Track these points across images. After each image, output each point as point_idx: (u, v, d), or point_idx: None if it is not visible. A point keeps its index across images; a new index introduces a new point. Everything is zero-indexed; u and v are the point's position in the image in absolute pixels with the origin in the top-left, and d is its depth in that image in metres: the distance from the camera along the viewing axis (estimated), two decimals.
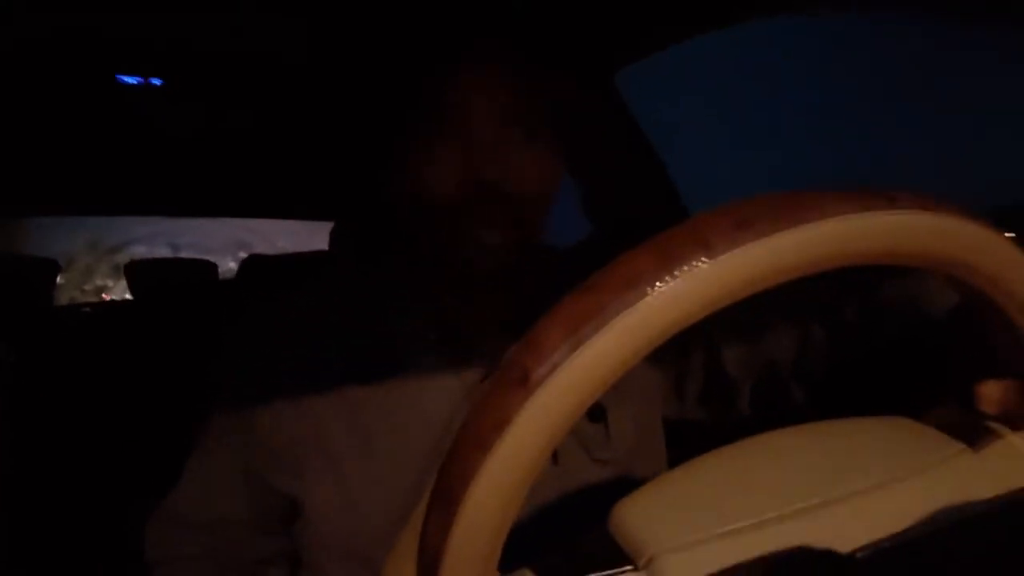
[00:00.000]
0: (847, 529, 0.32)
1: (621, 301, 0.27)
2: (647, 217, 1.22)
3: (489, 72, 0.61)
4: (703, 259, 0.27)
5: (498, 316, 0.65)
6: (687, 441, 0.63)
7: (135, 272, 2.38)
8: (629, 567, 0.32)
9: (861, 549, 0.31)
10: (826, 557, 0.30)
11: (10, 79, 1.28)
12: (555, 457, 0.62)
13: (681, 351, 0.71)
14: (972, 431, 0.37)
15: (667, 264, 0.27)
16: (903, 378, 0.55)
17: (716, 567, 0.31)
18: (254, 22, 1.09)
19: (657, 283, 0.27)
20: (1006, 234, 0.32)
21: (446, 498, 0.29)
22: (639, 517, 0.34)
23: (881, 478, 0.35)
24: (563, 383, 0.27)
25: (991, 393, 0.38)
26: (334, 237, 1.59)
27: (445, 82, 0.61)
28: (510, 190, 0.60)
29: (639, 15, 1.04)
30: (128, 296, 2.44)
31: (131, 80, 1.31)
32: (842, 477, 0.35)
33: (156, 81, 1.32)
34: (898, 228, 0.30)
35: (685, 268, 0.27)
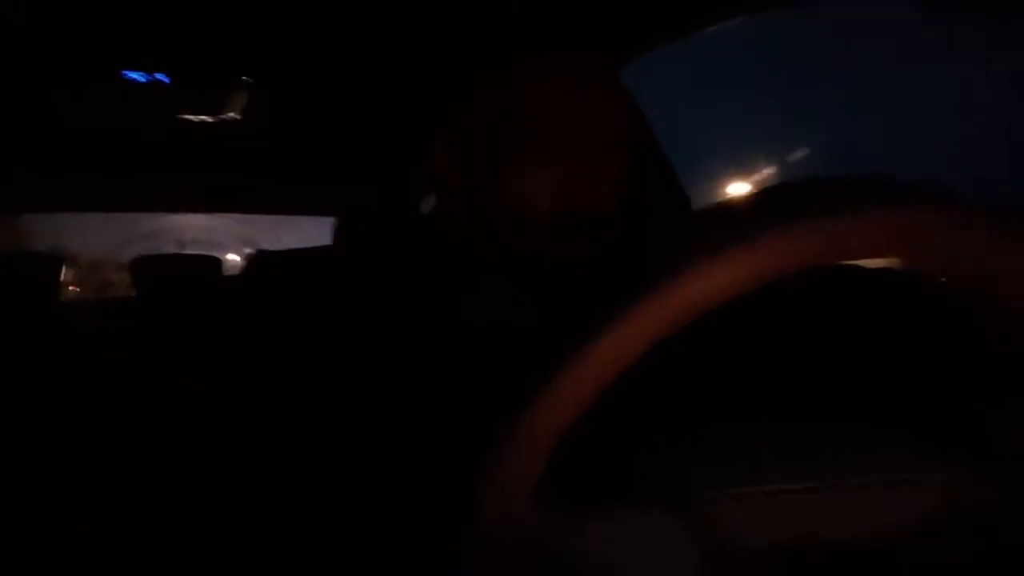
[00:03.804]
0: (869, 511, 0.33)
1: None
2: (656, 212, 1.21)
3: (582, 83, 0.61)
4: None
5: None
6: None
7: (140, 268, 2.37)
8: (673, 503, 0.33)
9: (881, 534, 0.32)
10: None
11: (17, 74, 1.28)
12: None
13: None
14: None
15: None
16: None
17: (751, 514, 0.32)
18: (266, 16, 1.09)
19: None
20: None
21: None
22: (681, 461, 0.35)
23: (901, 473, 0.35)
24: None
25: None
26: (339, 232, 1.58)
27: (536, 93, 0.60)
28: (602, 204, 0.60)
29: (643, 10, 1.04)
30: (134, 292, 2.44)
31: (137, 76, 1.31)
32: (870, 463, 0.35)
33: (162, 77, 1.32)
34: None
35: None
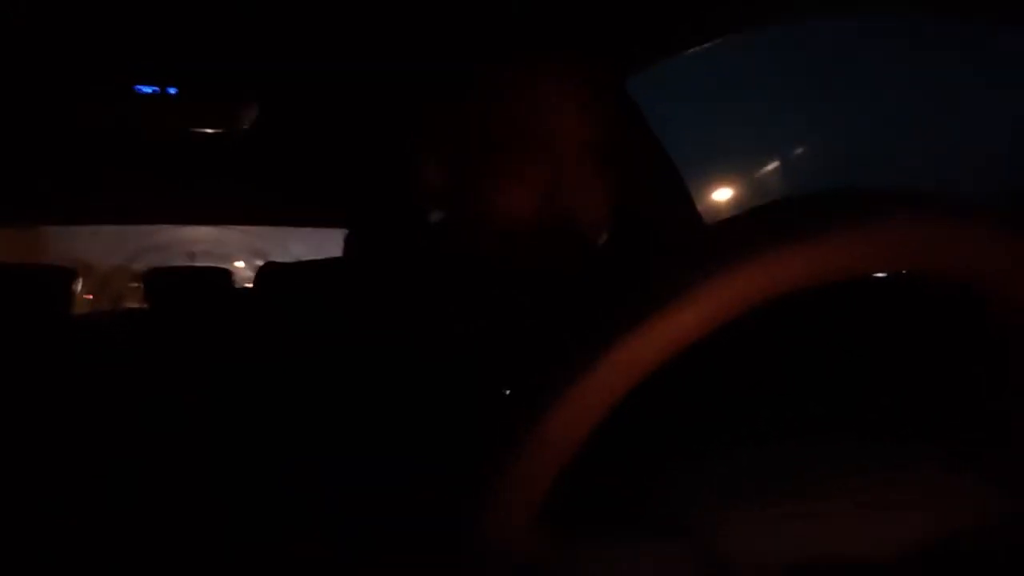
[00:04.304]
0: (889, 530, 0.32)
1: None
2: (660, 220, 1.21)
3: (574, 86, 0.60)
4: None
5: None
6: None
7: (153, 280, 2.39)
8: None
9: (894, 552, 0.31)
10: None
11: (26, 86, 1.29)
12: None
13: None
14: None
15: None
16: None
17: (767, 537, 0.32)
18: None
19: None
20: None
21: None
22: (684, 482, 0.35)
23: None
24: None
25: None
26: (349, 243, 1.59)
27: (527, 99, 0.59)
28: (590, 210, 0.59)
29: (651, 20, 1.04)
30: (145, 304, 2.45)
31: (147, 89, 1.32)
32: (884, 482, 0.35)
33: (172, 90, 1.33)
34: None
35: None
